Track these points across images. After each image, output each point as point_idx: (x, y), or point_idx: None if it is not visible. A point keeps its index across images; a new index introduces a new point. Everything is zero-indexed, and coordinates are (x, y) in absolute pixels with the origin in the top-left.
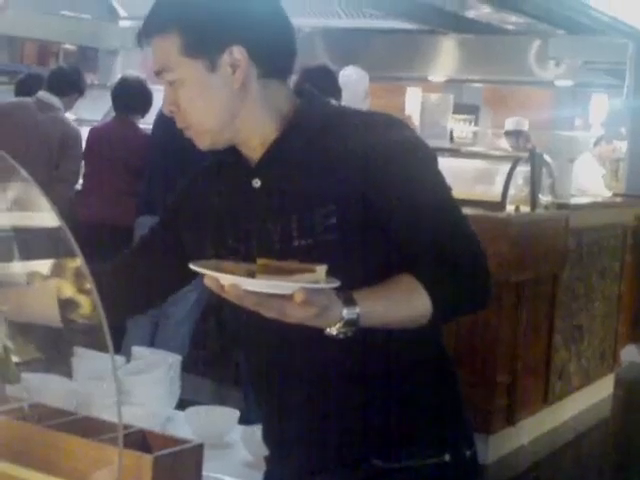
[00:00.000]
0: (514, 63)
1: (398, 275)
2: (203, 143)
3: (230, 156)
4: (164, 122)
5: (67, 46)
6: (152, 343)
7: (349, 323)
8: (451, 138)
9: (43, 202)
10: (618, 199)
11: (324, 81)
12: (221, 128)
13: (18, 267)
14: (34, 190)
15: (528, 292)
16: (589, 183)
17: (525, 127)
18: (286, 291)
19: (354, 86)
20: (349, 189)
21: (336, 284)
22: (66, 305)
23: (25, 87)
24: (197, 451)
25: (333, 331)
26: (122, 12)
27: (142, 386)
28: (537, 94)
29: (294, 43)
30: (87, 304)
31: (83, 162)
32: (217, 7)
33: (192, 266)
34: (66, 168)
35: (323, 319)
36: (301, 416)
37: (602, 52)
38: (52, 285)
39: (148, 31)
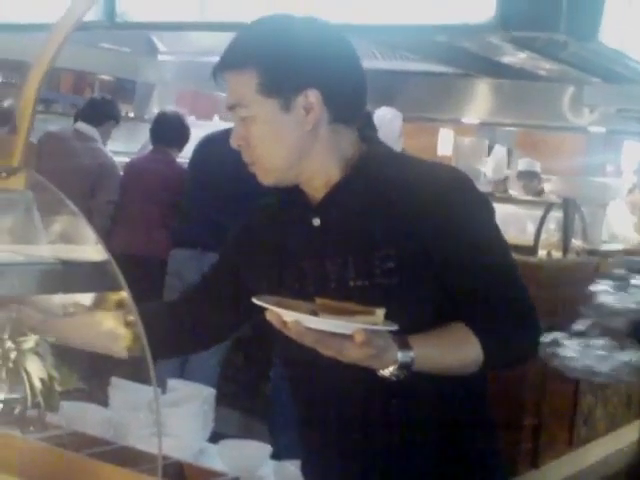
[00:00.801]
0: (548, 108)
1: (451, 323)
2: (268, 180)
3: (291, 194)
4: (202, 157)
5: (103, 77)
6: (181, 374)
7: (403, 366)
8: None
9: (90, 235)
10: None
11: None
12: (288, 167)
13: (63, 299)
14: (81, 222)
15: None
16: (620, 230)
17: (537, 168)
18: (347, 331)
19: (388, 126)
20: (409, 236)
21: (394, 327)
22: (108, 337)
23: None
24: None
25: (386, 373)
26: (161, 47)
27: (177, 418)
28: (569, 140)
29: (366, 91)
30: (129, 337)
31: (119, 193)
32: (297, 49)
33: (255, 300)
34: (102, 199)
35: (379, 360)
36: (342, 454)
37: (636, 100)
38: (96, 317)
39: (225, 65)
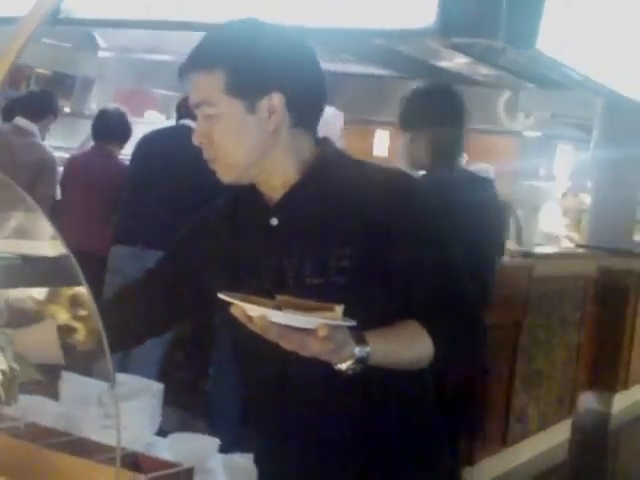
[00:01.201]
0: (483, 112)
1: (404, 321)
2: (227, 177)
3: (247, 195)
4: (144, 154)
5: (40, 70)
6: (123, 370)
7: (359, 360)
8: None
9: (48, 230)
10: (580, 250)
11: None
12: (248, 165)
13: (22, 294)
14: (39, 217)
15: (491, 337)
16: (554, 232)
17: (490, 174)
18: (311, 326)
19: (329, 125)
20: (362, 237)
21: (353, 323)
22: (62, 331)
23: (9, 113)
24: (188, 474)
25: (343, 367)
26: (102, 43)
27: (126, 412)
28: (503, 142)
29: (326, 98)
30: (82, 330)
31: (59, 189)
32: (264, 53)
33: (221, 295)
34: (42, 192)
35: (337, 355)
36: (296, 443)
37: (571, 106)
38: (50, 323)
39: (194, 65)
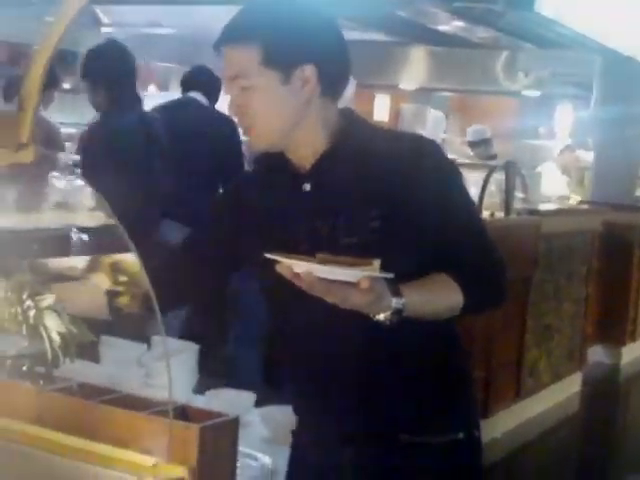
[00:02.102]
0: (482, 74)
1: (434, 273)
2: (260, 145)
3: (278, 162)
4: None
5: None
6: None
7: (395, 312)
8: None
9: (96, 201)
10: (585, 206)
11: None
12: (281, 134)
13: (69, 262)
14: (86, 190)
15: None
16: (552, 190)
17: (488, 135)
18: (353, 278)
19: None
20: (390, 197)
21: (390, 275)
22: (107, 295)
23: (11, 91)
24: (234, 423)
25: (381, 317)
26: (105, 19)
27: (165, 371)
28: (502, 103)
29: (351, 67)
30: (125, 294)
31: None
32: (298, 27)
33: (268, 255)
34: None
35: (376, 306)
36: (334, 389)
37: (570, 65)
38: (93, 279)
39: (229, 39)
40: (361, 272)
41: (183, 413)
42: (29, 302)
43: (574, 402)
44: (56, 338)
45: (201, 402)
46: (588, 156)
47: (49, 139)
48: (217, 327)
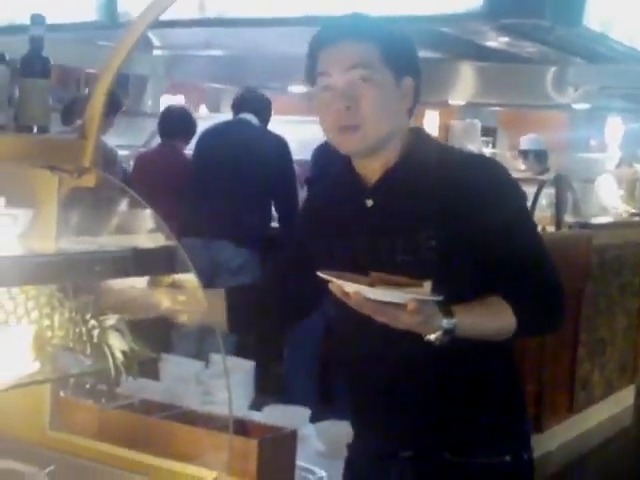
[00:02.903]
0: (531, 88)
1: (489, 295)
2: (361, 145)
3: (346, 176)
4: (206, 148)
5: (90, 71)
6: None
7: (447, 332)
8: None
9: (155, 223)
10: (636, 218)
11: None
12: (384, 138)
13: (131, 283)
14: (147, 213)
15: None
16: (610, 202)
17: (543, 146)
18: (401, 300)
19: None
20: (449, 217)
21: (440, 297)
22: (167, 314)
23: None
24: (292, 436)
25: (432, 338)
26: (156, 42)
27: (223, 387)
28: (552, 117)
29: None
30: (184, 313)
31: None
32: (405, 39)
33: (320, 274)
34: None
35: (426, 327)
36: (385, 405)
37: (619, 78)
38: (155, 297)
39: (350, 33)
40: (407, 294)
41: (242, 428)
42: (93, 322)
43: (628, 415)
44: (119, 356)
45: (258, 418)
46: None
47: (107, 162)
48: (273, 345)
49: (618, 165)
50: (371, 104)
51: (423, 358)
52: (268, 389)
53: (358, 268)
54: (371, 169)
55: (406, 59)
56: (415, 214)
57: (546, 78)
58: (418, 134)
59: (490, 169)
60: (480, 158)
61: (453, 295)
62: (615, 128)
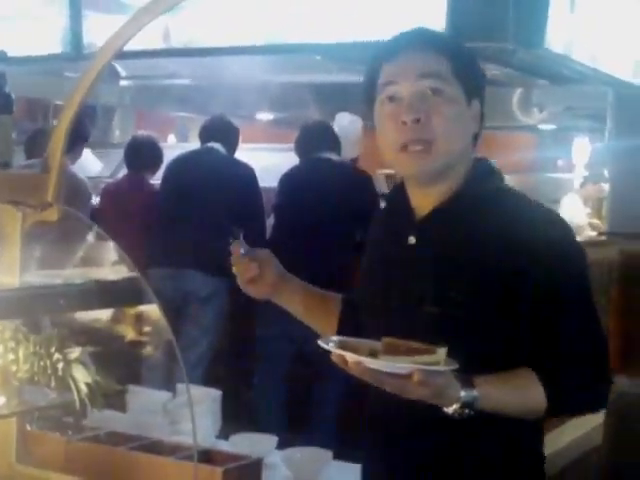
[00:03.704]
0: (497, 111)
1: (520, 369)
2: (424, 164)
3: (399, 207)
4: (174, 178)
5: (59, 102)
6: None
7: (466, 405)
8: None
9: (118, 255)
10: (603, 237)
11: (323, 135)
12: (452, 163)
13: (95, 315)
14: (109, 245)
15: None
16: (576, 222)
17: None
18: (403, 372)
19: (344, 131)
20: (494, 271)
21: (454, 367)
22: (131, 346)
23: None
24: (257, 465)
25: (450, 410)
26: (123, 72)
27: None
28: (519, 138)
29: None
30: (150, 344)
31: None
32: (474, 57)
33: (320, 343)
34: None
35: (441, 398)
36: (400, 463)
37: (583, 99)
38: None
39: (420, 43)
40: (410, 365)
41: (208, 457)
42: (57, 355)
43: (597, 434)
44: (84, 389)
45: (225, 447)
46: (607, 187)
47: (77, 194)
48: (241, 373)
49: (583, 184)
50: (444, 119)
51: (433, 421)
52: (238, 417)
53: (386, 310)
54: (424, 200)
55: (476, 78)
56: (456, 261)
57: (512, 100)
58: (483, 166)
59: (558, 228)
60: (548, 213)
61: (476, 358)
62: (582, 148)
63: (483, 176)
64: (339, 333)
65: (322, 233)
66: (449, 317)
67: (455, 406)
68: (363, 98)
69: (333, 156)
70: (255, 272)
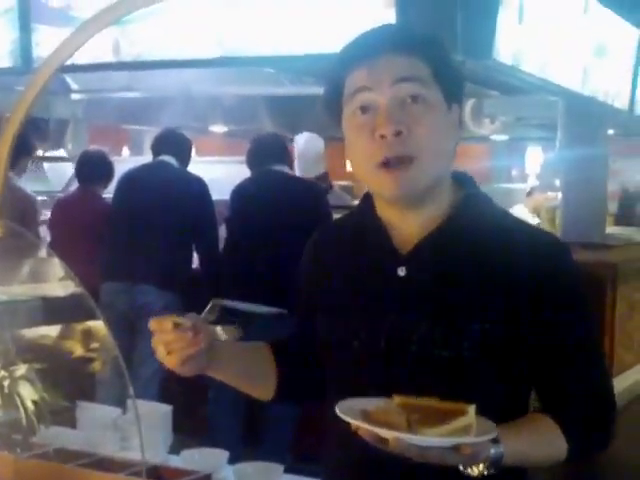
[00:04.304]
0: None
1: (535, 414)
2: (407, 185)
3: (375, 232)
4: (126, 191)
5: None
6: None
7: (493, 462)
8: None
9: (63, 272)
10: None
11: (274, 148)
12: (436, 182)
13: (42, 331)
14: (54, 262)
15: None
16: None
17: None
18: (449, 445)
19: (302, 149)
20: (504, 305)
21: (494, 434)
22: (79, 362)
23: None
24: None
25: (474, 473)
26: (74, 86)
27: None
28: (473, 149)
29: None
30: (97, 360)
31: (48, 232)
32: (453, 57)
33: (340, 414)
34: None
35: (474, 462)
36: None
37: (534, 109)
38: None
39: (396, 45)
40: (457, 439)
41: (157, 473)
42: (3, 372)
43: None
44: (30, 406)
45: (176, 462)
46: (557, 196)
47: (26, 210)
48: (196, 388)
49: (529, 194)
50: (427, 130)
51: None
52: (193, 432)
53: (376, 354)
54: (407, 229)
55: (457, 80)
56: (464, 295)
57: (464, 111)
58: (473, 189)
59: (563, 254)
60: (551, 241)
61: (489, 402)
62: (535, 158)
63: (474, 195)
64: (281, 383)
65: (273, 245)
66: (464, 360)
67: (481, 467)
68: (326, 109)
69: (285, 169)
70: (203, 345)
